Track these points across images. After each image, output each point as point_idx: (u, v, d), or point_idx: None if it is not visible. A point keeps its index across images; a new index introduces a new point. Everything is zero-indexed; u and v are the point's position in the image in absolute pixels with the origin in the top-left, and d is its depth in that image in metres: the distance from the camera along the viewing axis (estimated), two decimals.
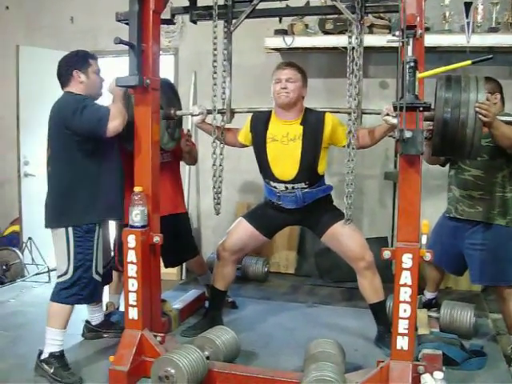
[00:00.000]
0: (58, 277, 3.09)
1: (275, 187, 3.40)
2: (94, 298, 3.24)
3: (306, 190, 3.36)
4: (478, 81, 2.70)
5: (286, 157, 3.34)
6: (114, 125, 2.89)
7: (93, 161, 3.05)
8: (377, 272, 3.39)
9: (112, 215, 3.24)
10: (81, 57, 3.14)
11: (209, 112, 3.41)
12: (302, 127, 3.34)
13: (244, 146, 3.59)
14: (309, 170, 3.34)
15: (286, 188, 3.37)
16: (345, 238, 3.37)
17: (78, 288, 3.04)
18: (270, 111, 3.45)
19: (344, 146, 3.21)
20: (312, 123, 3.34)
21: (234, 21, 3.35)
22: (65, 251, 3.03)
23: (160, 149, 3.21)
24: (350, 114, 3.04)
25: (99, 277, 3.13)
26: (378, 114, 3.06)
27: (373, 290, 3.39)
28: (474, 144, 2.68)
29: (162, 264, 3.38)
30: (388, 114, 2.93)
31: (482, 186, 3.32)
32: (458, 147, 2.70)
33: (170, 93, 3.56)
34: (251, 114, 3.52)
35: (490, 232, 3.34)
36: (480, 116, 2.65)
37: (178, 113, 3.51)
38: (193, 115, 3.48)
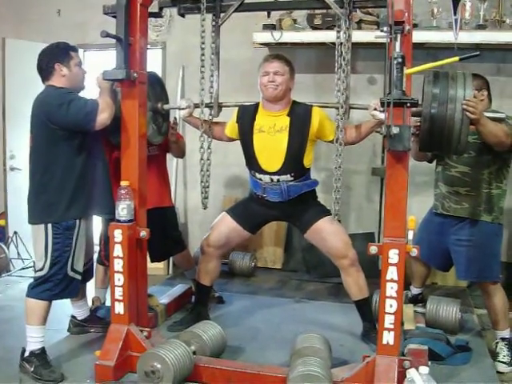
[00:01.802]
0: (35, 272, 3.06)
1: (260, 179, 3.39)
2: (69, 294, 3.14)
3: (291, 183, 3.34)
4: (465, 77, 2.72)
5: (272, 147, 3.33)
6: (102, 118, 2.87)
7: (76, 155, 2.99)
8: (361, 269, 3.39)
9: (96, 211, 3.20)
10: (62, 49, 3.07)
11: (196, 106, 3.40)
12: (288, 118, 3.33)
13: (231, 139, 3.58)
14: (294, 162, 3.33)
15: (272, 180, 3.35)
16: (328, 235, 3.37)
17: (52, 284, 2.99)
18: (258, 103, 3.44)
19: (331, 141, 3.23)
20: (299, 115, 3.33)
21: (222, 14, 3.35)
22: (42, 247, 2.99)
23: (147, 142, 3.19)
24: (338, 108, 3.05)
25: (76, 274, 3.06)
26: (366, 109, 3.08)
27: (357, 287, 3.39)
28: (461, 140, 2.69)
29: (148, 258, 3.37)
30: (375, 109, 2.94)
31: (468, 182, 3.33)
32: (445, 143, 2.72)
33: (157, 86, 3.54)
34: (238, 106, 3.51)
35: (476, 228, 3.34)
36: (467, 113, 2.66)
37: (166, 107, 3.50)
38: (180, 109, 3.46)
